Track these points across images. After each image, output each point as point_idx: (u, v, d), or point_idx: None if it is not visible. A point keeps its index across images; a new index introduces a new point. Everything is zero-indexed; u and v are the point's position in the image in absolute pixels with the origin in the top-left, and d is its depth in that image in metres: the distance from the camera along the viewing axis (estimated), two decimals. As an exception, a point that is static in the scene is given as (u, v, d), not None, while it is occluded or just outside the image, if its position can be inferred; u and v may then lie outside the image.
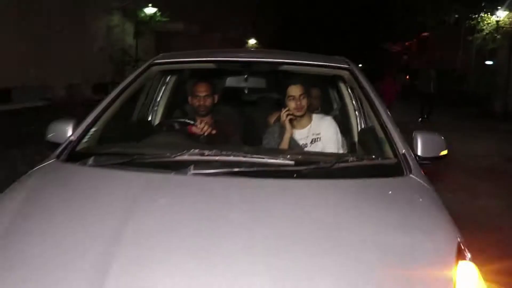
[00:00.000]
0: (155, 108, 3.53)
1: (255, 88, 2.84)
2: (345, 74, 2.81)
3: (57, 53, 13.51)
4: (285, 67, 2.81)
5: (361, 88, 2.58)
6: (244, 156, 1.97)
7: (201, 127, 2.70)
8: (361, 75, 2.69)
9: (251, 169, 1.87)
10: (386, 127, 2.27)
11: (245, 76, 2.72)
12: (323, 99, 3.89)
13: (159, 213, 1.59)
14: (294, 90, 2.91)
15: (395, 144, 2.15)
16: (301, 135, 3.09)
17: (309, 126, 3.09)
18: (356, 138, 3.36)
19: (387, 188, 1.83)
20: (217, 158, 1.98)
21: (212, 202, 1.65)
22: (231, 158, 1.97)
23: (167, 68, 2.90)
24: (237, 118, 3.45)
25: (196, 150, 2.00)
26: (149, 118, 3.49)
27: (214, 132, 2.81)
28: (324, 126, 3.06)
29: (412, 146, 2.24)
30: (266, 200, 1.68)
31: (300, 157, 2.09)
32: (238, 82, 2.79)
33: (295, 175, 1.88)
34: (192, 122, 2.72)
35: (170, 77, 3.55)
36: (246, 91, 3.19)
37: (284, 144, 2.93)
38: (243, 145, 2.84)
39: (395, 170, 2.00)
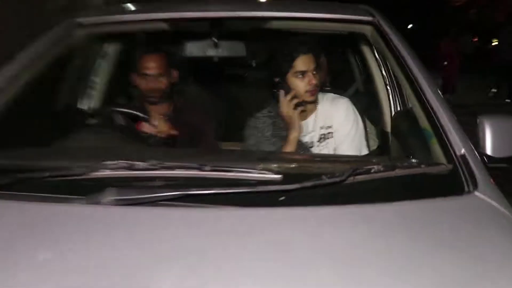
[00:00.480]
0: (90, 92, 3.13)
1: (231, 58, 2.44)
2: (368, 30, 2.40)
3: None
4: (276, 23, 2.41)
5: (392, 51, 2.17)
6: (206, 168, 1.58)
7: (157, 127, 2.30)
8: (392, 32, 2.29)
9: (211, 192, 1.47)
10: (434, 111, 1.86)
11: (214, 39, 2.31)
12: (335, 69, 3.49)
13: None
14: (304, 62, 2.49)
15: (450, 140, 1.75)
16: (305, 128, 2.68)
17: (313, 116, 2.68)
18: (388, 127, 2.95)
19: (436, 223, 1.42)
20: (157, 172, 1.58)
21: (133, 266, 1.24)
22: (182, 172, 1.58)
23: (97, 33, 2.50)
24: (212, 105, 3.06)
25: (123, 162, 1.59)
26: (81, 106, 3.10)
27: (174, 132, 2.42)
28: (338, 114, 2.64)
29: (476, 140, 1.88)
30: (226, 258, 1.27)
31: (294, 165, 1.68)
32: (202, 50, 2.38)
33: (281, 199, 1.48)
34: (142, 115, 2.32)
35: (110, 46, 3.15)
36: (217, 62, 2.78)
37: (290, 149, 2.53)
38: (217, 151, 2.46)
39: (449, 184, 1.63)
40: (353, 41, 3.24)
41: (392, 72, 2.80)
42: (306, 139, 2.67)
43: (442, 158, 1.75)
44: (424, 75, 2.05)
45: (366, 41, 2.74)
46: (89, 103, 3.12)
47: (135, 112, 2.34)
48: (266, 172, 1.58)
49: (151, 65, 2.72)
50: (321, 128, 2.68)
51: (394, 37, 2.26)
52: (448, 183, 1.64)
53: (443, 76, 12.91)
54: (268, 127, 2.70)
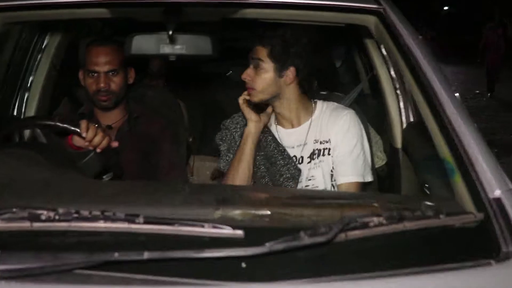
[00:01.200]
0: (25, 94, 2.80)
1: (192, 56, 2.11)
2: (371, 22, 2.08)
3: None
4: (254, 12, 2.09)
5: (401, 49, 1.87)
6: (138, 220, 1.27)
7: (89, 136, 1.98)
8: (402, 23, 1.99)
9: (139, 258, 1.16)
10: (457, 135, 1.55)
11: (170, 32, 1.97)
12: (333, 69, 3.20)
13: None
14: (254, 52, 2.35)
15: (479, 178, 1.44)
16: (293, 139, 2.40)
17: (306, 124, 2.37)
18: (398, 142, 2.65)
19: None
20: (66, 225, 1.27)
21: None
22: (102, 225, 1.27)
23: (16, 20, 2.17)
24: (179, 112, 2.79)
25: (18, 210, 1.28)
26: (14, 112, 2.78)
27: (113, 144, 2.09)
28: (338, 128, 2.35)
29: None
30: None
31: (263, 212, 1.37)
32: (153, 46, 2.05)
33: (244, 265, 1.17)
34: (68, 126, 2.00)
35: (49, 37, 2.82)
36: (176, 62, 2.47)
37: (244, 146, 2.32)
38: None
39: (479, 243, 1.33)
40: (356, 34, 2.93)
41: (401, 74, 2.48)
42: (293, 152, 2.38)
43: (468, 204, 1.43)
44: (442, 84, 1.74)
45: (369, 35, 2.41)
46: (24, 109, 2.79)
47: (52, 123, 1.99)
48: (223, 226, 1.26)
49: (101, 60, 2.40)
50: (315, 141, 2.37)
51: (404, 31, 1.95)
52: (478, 241, 1.33)
53: (486, 68, 12.33)
54: (241, 129, 2.46)
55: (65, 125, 1.98)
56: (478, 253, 1.28)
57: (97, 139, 2.01)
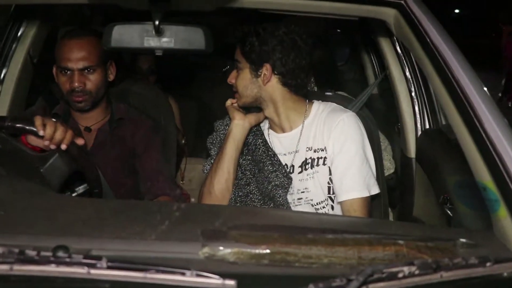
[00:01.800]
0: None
1: (181, 51, 1.82)
2: (390, 16, 1.80)
3: None
4: (254, 1, 1.81)
5: (426, 44, 1.60)
6: (99, 265, 0.99)
7: (47, 134, 1.70)
8: (428, 19, 1.71)
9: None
10: (497, 150, 1.27)
11: (156, 22, 1.68)
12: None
13: None
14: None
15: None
16: (284, 145, 2.15)
17: (298, 130, 2.11)
18: (411, 151, 2.37)
19: None
20: None
21: None
22: (45, 269, 1.00)
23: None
24: (169, 112, 2.56)
25: None
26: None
27: (79, 142, 1.80)
28: (336, 134, 2.04)
29: None
30: None
31: (261, 251, 1.08)
32: (137, 38, 1.76)
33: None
34: (22, 125, 1.72)
35: (26, 25, 2.52)
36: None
37: (219, 160, 2.11)
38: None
39: None
40: (368, 29, 2.64)
41: (421, 75, 2.20)
42: (284, 160, 2.10)
43: (496, 242, 1.15)
44: (478, 89, 1.45)
45: (387, 31, 2.12)
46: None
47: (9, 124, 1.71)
48: (210, 275, 0.97)
49: (75, 56, 2.10)
50: (308, 149, 2.08)
51: (430, 26, 1.67)
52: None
53: (507, 74, 10.97)
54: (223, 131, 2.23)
55: (19, 125, 1.69)
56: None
57: (58, 135, 1.72)
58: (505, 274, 1.07)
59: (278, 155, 2.11)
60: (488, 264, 1.04)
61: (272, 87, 2.06)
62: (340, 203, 2.01)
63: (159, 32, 1.73)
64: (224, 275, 0.97)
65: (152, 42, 1.75)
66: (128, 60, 2.97)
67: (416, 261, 1.01)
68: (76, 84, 2.10)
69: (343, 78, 3.62)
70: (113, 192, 2.11)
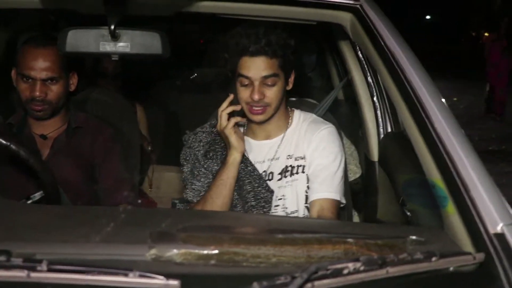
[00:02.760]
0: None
1: (137, 55, 1.79)
2: (346, 19, 1.81)
3: None
4: (214, 5, 1.80)
5: (381, 50, 1.61)
6: (39, 268, 0.98)
7: None
8: (382, 22, 1.73)
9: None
10: (449, 155, 1.28)
11: (111, 27, 1.65)
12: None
13: None
14: (254, 68, 1.92)
15: (478, 210, 1.17)
16: (264, 152, 2.10)
17: (279, 138, 2.09)
18: (374, 155, 2.37)
19: None
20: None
21: None
22: None
23: None
24: (133, 119, 2.48)
25: None
26: None
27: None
28: (315, 144, 2.06)
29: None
30: None
31: (208, 252, 1.07)
32: (94, 41, 1.73)
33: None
34: None
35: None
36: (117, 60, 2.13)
37: (226, 176, 1.98)
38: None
39: None
40: (331, 34, 2.64)
41: (380, 79, 2.20)
42: (263, 167, 2.06)
43: (465, 240, 1.15)
44: (431, 92, 1.47)
45: (344, 35, 2.13)
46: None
47: None
48: (154, 276, 0.95)
49: (39, 65, 2.05)
50: (289, 157, 2.06)
51: (385, 30, 1.68)
52: (478, 289, 1.05)
53: (489, 88, 10.50)
54: (204, 147, 2.11)
55: None
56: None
57: None
58: (451, 268, 1.07)
59: (255, 164, 2.07)
60: (433, 259, 1.04)
61: (285, 94, 2.04)
62: (312, 202, 1.99)
63: (115, 37, 1.71)
64: (168, 276, 0.95)
65: (108, 46, 1.72)
66: (90, 67, 2.92)
67: (362, 258, 1.00)
68: (38, 93, 2.05)
69: (312, 85, 3.62)
70: (72, 202, 2.08)
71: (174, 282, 0.95)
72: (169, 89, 3.59)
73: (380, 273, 1.00)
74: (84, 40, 1.73)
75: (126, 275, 0.95)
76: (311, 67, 3.66)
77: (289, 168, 2.05)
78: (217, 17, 1.90)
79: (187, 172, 2.12)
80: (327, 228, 1.31)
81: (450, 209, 1.21)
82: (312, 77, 3.74)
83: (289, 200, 2.04)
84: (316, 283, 0.96)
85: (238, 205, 2.04)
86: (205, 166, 2.08)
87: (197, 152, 2.11)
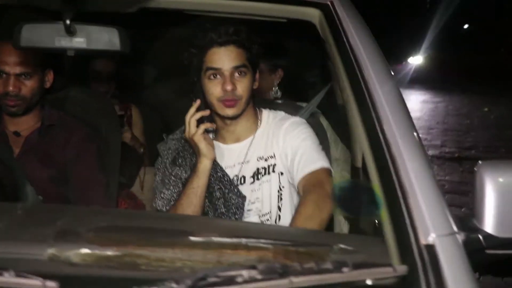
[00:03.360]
0: None
1: (95, 51, 1.74)
2: (316, 17, 1.72)
3: None
4: (175, 2, 1.75)
5: (343, 48, 1.52)
6: None
7: None
8: (350, 19, 1.63)
9: None
10: (391, 156, 1.19)
11: (67, 22, 1.60)
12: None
13: None
14: (220, 57, 1.86)
15: (412, 216, 1.07)
16: (234, 156, 2.03)
17: (249, 140, 2.01)
18: (359, 163, 2.26)
19: None
20: None
21: None
22: None
23: None
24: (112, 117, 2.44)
25: None
26: None
27: None
28: (282, 138, 1.95)
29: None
30: None
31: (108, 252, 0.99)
32: (48, 36, 1.68)
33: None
34: None
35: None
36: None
37: (196, 183, 1.89)
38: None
39: None
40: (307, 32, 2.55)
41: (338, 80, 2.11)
42: (234, 171, 1.98)
43: (392, 250, 1.04)
44: (387, 91, 1.37)
45: (315, 32, 2.03)
46: None
47: None
48: (30, 276, 0.88)
49: (12, 60, 2.03)
50: (259, 159, 1.98)
51: (351, 29, 1.58)
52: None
53: None
54: (172, 154, 2.04)
55: None
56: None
57: None
58: (370, 281, 0.97)
59: (226, 169, 1.99)
60: (345, 270, 0.94)
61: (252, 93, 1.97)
62: (303, 179, 1.86)
63: (70, 32, 1.65)
64: (51, 277, 0.88)
65: (63, 42, 1.66)
66: (69, 67, 2.87)
67: (260, 265, 0.91)
68: (11, 88, 2.02)
69: (312, 88, 3.52)
70: (44, 201, 2.04)
71: (52, 284, 0.88)
72: (166, 92, 3.54)
73: (283, 283, 0.91)
74: (39, 35, 1.67)
75: (1, 275, 0.88)
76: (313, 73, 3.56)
77: (261, 170, 1.96)
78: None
79: (158, 181, 2.05)
80: (255, 232, 1.22)
81: (384, 215, 1.11)
82: (317, 82, 3.64)
83: (262, 202, 1.95)
84: (207, 292, 0.87)
85: (209, 212, 1.96)
86: (173, 173, 2.00)
87: (165, 160, 2.05)
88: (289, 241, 1.09)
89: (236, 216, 1.92)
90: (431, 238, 1.03)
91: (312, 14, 1.73)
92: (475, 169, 1.26)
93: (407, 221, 1.06)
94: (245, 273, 0.89)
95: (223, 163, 1.99)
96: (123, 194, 2.66)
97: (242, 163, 1.99)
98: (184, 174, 1.98)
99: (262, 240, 1.07)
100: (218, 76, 1.84)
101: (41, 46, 1.66)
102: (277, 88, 3.08)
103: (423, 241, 1.02)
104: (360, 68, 1.45)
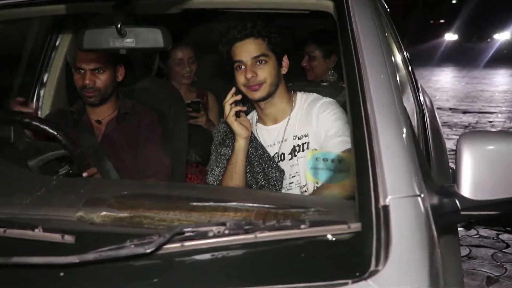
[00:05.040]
0: (41, 91, 2.77)
1: (142, 49, 1.93)
2: (330, 8, 1.79)
3: None
4: (206, 2, 1.89)
5: (347, 43, 1.56)
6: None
7: None
8: (361, 12, 1.66)
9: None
10: (368, 117, 1.29)
11: (118, 25, 1.80)
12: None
13: None
14: (243, 51, 2.04)
15: (376, 174, 1.16)
16: (273, 136, 2.18)
17: (285, 121, 2.14)
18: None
19: None
20: None
21: None
22: None
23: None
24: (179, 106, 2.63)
25: None
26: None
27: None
28: (316, 119, 2.06)
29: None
30: None
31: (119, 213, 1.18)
32: (104, 39, 1.89)
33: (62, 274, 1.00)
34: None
35: (62, 35, 2.76)
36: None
37: (235, 161, 2.06)
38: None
39: (344, 262, 1.04)
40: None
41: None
42: (275, 149, 2.13)
43: (351, 211, 1.14)
44: (378, 72, 1.43)
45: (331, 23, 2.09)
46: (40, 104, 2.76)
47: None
48: (54, 231, 1.08)
49: (87, 57, 2.29)
50: (295, 137, 2.11)
51: (357, 23, 1.60)
52: (345, 257, 1.05)
53: None
54: (220, 135, 2.25)
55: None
56: (341, 271, 1.01)
57: None
58: (329, 236, 1.07)
59: (266, 147, 2.14)
60: (302, 226, 1.06)
61: (282, 77, 2.12)
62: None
63: (121, 34, 1.86)
64: (69, 233, 1.08)
65: (116, 43, 1.87)
66: (140, 61, 3.05)
67: (228, 222, 1.05)
68: (87, 81, 2.29)
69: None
70: (121, 177, 2.30)
71: (69, 238, 1.07)
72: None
73: (249, 238, 1.05)
74: (97, 38, 1.90)
75: (32, 230, 1.09)
76: None
77: (297, 148, 2.09)
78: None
79: (212, 160, 2.25)
80: (241, 197, 1.35)
81: (355, 181, 1.20)
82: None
83: (300, 176, 2.09)
84: (179, 243, 1.03)
85: (252, 185, 2.12)
86: (221, 153, 2.20)
87: (216, 141, 2.25)
88: (268, 204, 1.22)
89: (276, 188, 2.07)
90: (388, 199, 1.11)
91: (327, 5, 1.81)
92: (460, 139, 1.32)
93: (371, 185, 1.15)
94: (215, 229, 1.04)
95: (264, 142, 2.15)
96: (196, 171, 2.88)
97: (281, 141, 2.13)
98: (230, 153, 2.15)
99: (244, 204, 1.22)
100: (242, 66, 2.02)
101: (99, 47, 1.88)
102: (332, 71, 3.16)
103: (381, 203, 1.11)
104: (357, 57, 1.48)
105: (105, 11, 1.87)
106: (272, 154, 2.13)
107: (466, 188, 1.27)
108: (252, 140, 2.14)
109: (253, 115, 2.24)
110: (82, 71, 2.30)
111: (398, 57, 2.41)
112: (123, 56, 2.44)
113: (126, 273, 1.01)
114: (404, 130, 1.31)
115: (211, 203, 1.24)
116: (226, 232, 1.04)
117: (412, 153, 1.25)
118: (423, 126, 2.29)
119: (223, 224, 1.04)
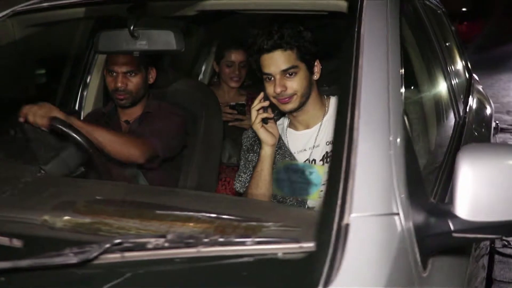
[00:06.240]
0: (84, 92, 2.82)
1: (155, 51, 1.88)
2: (344, 8, 1.68)
3: None
4: (227, 3, 1.83)
5: (354, 43, 1.43)
6: None
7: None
8: (373, 16, 1.52)
9: None
10: (352, 131, 1.17)
11: (131, 28, 1.78)
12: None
13: None
14: (272, 64, 1.88)
15: (346, 190, 1.05)
16: (304, 141, 2.05)
17: (317, 127, 2.03)
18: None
19: None
20: None
21: None
22: None
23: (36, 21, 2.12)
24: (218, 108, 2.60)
25: None
26: (76, 107, 2.81)
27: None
28: None
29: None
30: None
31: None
32: (118, 42, 1.86)
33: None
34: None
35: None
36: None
37: (261, 168, 1.95)
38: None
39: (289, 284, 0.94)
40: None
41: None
42: (305, 156, 2.01)
43: (311, 228, 1.03)
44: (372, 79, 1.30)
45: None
46: (82, 104, 2.81)
47: None
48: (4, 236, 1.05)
49: (120, 60, 2.27)
50: (328, 143, 1.98)
51: (367, 30, 1.46)
52: (291, 278, 0.94)
53: None
54: (248, 141, 2.14)
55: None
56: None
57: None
58: (280, 254, 0.97)
59: (296, 153, 2.02)
60: (248, 242, 0.96)
61: (315, 84, 2.01)
62: None
63: (134, 36, 1.83)
64: (14, 236, 1.05)
65: (130, 45, 1.85)
66: (168, 65, 2.98)
67: (169, 235, 0.97)
68: (119, 84, 2.27)
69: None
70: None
71: (17, 242, 1.04)
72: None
73: (190, 252, 0.96)
74: (112, 40, 1.89)
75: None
76: None
77: (330, 154, 1.96)
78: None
79: (241, 165, 2.15)
80: (216, 206, 1.25)
81: (315, 196, 1.09)
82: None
83: None
84: (119, 254, 0.96)
85: (278, 194, 2.02)
86: (249, 159, 2.10)
87: (244, 147, 2.15)
88: (233, 216, 1.13)
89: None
90: (352, 217, 0.99)
91: (342, 6, 1.69)
92: (459, 154, 1.17)
93: (339, 200, 1.03)
94: (153, 241, 0.96)
95: (295, 147, 2.03)
96: (230, 173, 2.81)
97: (313, 147, 2.01)
98: (255, 159, 2.05)
99: (209, 214, 1.13)
100: (272, 78, 1.89)
101: (113, 50, 1.87)
102: None
103: (344, 220, 0.99)
104: (357, 61, 1.35)
105: (122, 13, 1.85)
106: (303, 160, 2.02)
107: (462, 207, 1.12)
108: (280, 146, 2.02)
109: (284, 121, 2.12)
110: (115, 74, 2.29)
111: (428, 62, 2.22)
112: (155, 58, 2.44)
113: (62, 282, 0.96)
114: (391, 143, 1.17)
115: (176, 212, 1.16)
116: (166, 244, 0.96)
117: (397, 167, 1.12)
118: (458, 138, 2.09)
119: (163, 236, 0.97)
